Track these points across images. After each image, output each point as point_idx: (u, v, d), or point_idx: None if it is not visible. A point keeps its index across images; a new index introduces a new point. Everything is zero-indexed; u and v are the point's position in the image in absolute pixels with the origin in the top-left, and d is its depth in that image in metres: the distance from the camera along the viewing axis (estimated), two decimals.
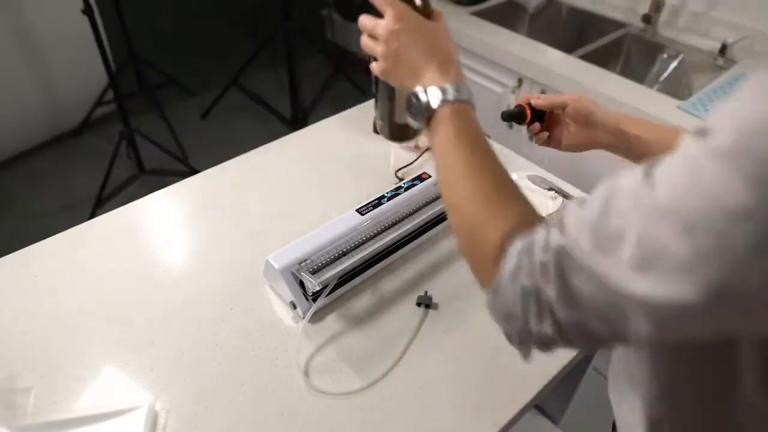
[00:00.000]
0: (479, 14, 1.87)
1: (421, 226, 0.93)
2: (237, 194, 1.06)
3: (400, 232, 0.87)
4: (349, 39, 3.28)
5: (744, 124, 0.31)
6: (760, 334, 0.37)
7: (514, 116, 0.81)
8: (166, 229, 0.99)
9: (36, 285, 0.87)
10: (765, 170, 0.29)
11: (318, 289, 0.80)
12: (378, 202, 0.91)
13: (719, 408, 0.45)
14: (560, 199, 1.03)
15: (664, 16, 1.74)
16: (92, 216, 2.15)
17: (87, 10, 1.90)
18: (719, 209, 0.30)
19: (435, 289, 0.87)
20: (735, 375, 0.42)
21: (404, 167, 1.12)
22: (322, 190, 1.07)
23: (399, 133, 0.74)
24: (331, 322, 0.83)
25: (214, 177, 1.10)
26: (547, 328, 0.40)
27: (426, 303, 0.85)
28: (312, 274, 0.80)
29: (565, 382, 1.00)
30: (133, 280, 0.88)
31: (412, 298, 0.86)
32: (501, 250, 0.45)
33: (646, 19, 1.72)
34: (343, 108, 1.30)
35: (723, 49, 1.57)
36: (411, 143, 1.17)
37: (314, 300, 0.82)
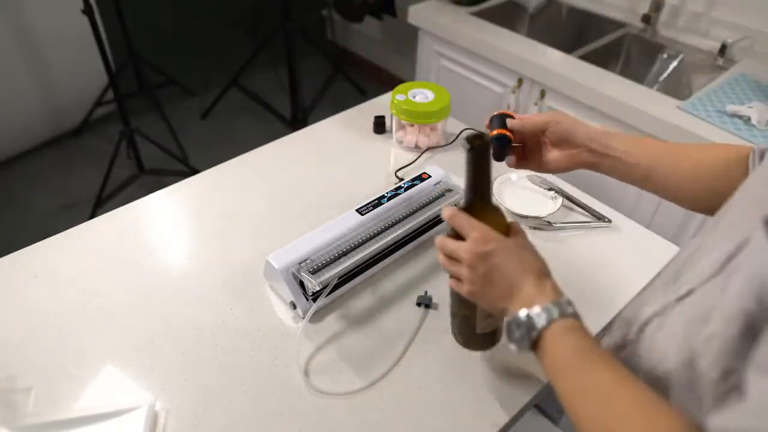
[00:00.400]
0: (479, 14, 1.87)
1: (421, 226, 0.93)
2: (237, 194, 1.06)
3: (400, 232, 0.87)
4: (349, 39, 3.29)
5: None
6: None
7: (501, 145, 0.75)
8: (166, 229, 0.99)
9: (36, 285, 0.87)
10: None
11: (318, 289, 0.80)
12: (378, 202, 0.91)
13: None
14: (560, 199, 1.03)
15: (664, 16, 1.74)
16: (92, 216, 2.15)
17: (87, 10, 1.90)
18: None
19: (435, 289, 0.87)
20: None
21: (404, 167, 1.13)
22: (322, 190, 1.07)
23: (482, 343, 0.74)
24: (331, 322, 0.83)
25: (214, 177, 1.11)
26: None
27: (426, 303, 0.85)
28: (312, 274, 0.80)
29: None
30: (133, 280, 0.88)
31: (412, 298, 0.86)
32: None
33: (646, 19, 1.72)
34: (343, 108, 1.30)
35: (723, 49, 1.57)
36: (414, 151, 1.17)
37: (314, 300, 0.82)
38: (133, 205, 1.03)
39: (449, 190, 0.96)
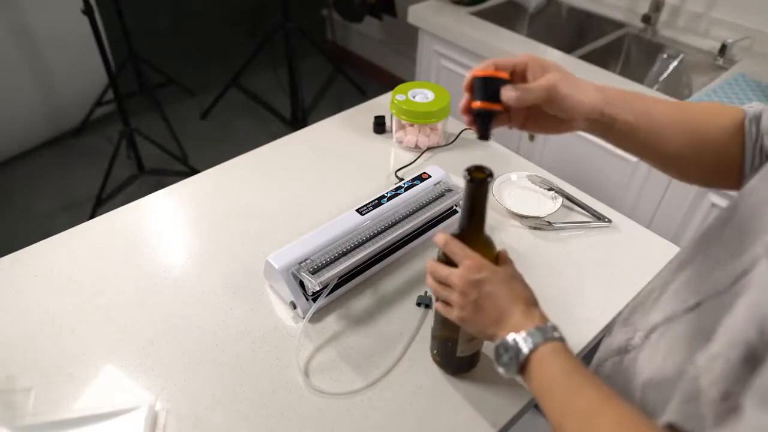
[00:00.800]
0: (479, 14, 1.87)
1: (421, 226, 0.93)
2: (237, 194, 1.06)
3: (400, 232, 0.87)
4: (349, 39, 3.29)
5: None
6: None
7: (485, 122, 0.61)
8: (166, 229, 0.99)
9: (36, 285, 0.87)
10: None
11: (318, 289, 0.80)
12: (378, 202, 0.91)
13: None
14: (560, 199, 1.03)
15: (664, 16, 1.74)
16: (92, 216, 2.15)
17: (87, 10, 1.90)
18: None
19: None
20: None
21: (404, 167, 1.13)
22: (322, 190, 1.07)
23: (461, 365, 0.75)
24: (331, 322, 0.83)
25: (214, 177, 1.11)
26: None
27: (426, 303, 0.85)
28: (312, 274, 0.80)
29: None
30: (133, 280, 0.88)
31: (412, 298, 0.86)
32: None
33: (646, 19, 1.72)
34: (343, 108, 1.30)
35: (723, 49, 1.57)
36: (414, 151, 1.17)
37: (314, 300, 0.82)
38: (133, 205, 1.03)
39: (449, 190, 0.96)
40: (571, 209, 1.04)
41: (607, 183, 1.54)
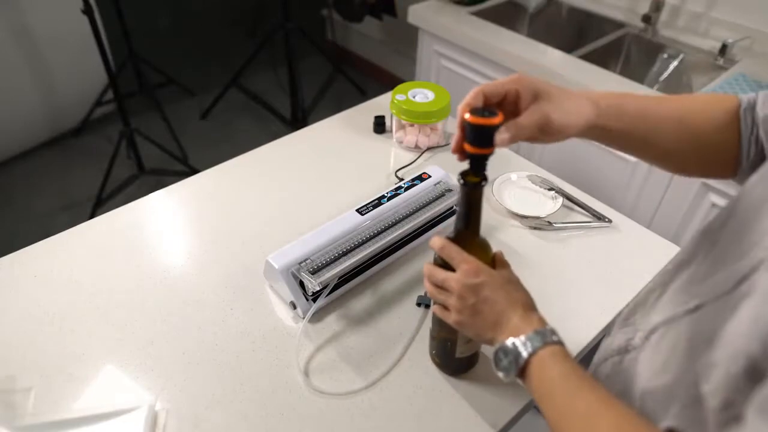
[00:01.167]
0: (479, 14, 1.87)
1: (422, 226, 0.93)
2: (237, 194, 1.06)
3: (400, 232, 0.87)
4: (349, 39, 3.29)
5: None
6: None
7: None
8: (166, 229, 0.99)
9: (36, 285, 0.87)
10: None
11: (318, 289, 0.80)
12: (378, 202, 0.91)
13: None
14: (560, 199, 1.03)
15: (664, 16, 1.74)
16: (92, 216, 2.15)
17: (87, 10, 1.90)
18: None
19: None
20: None
21: (404, 167, 1.12)
22: (322, 190, 1.07)
23: (459, 366, 0.75)
24: (331, 322, 0.83)
25: (214, 177, 1.11)
26: None
27: (426, 303, 0.85)
28: (312, 274, 0.80)
29: None
30: (132, 280, 0.88)
31: (412, 298, 0.86)
32: None
33: (646, 19, 1.72)
34: (343, 108, 1.30)
35: (723, 49, 1.57)
36: (414, 151, 1.17)
37: (314, 300, 0.82)
38: (133, 205, 1.03)
39: (449, 190, 0.96)
40: (571, 209, 1.04)
41: (607, 183, 1.54)
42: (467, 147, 0.55)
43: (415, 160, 1.14)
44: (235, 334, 0.81)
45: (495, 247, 0.66)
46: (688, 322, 0.51)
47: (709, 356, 0.45)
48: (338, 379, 0.75)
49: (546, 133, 0.60)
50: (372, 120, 1.23)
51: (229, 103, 2.85)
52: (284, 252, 0.82)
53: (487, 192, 0.94)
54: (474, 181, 0.57)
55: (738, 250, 0.48)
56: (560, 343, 0.56)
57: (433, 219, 0.94)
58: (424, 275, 0.65)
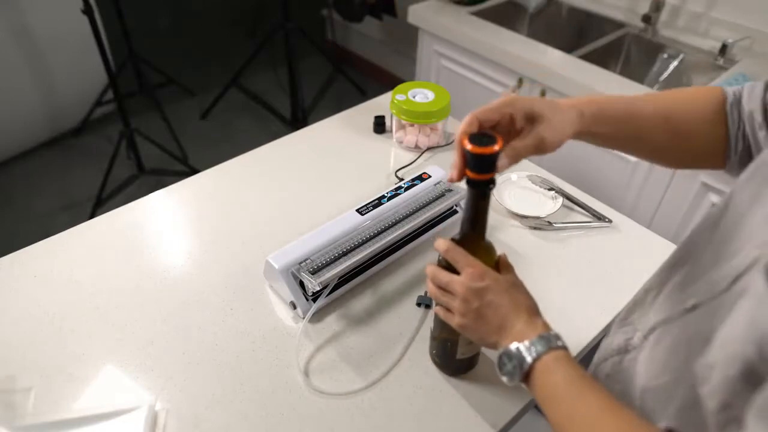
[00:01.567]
0: (479, 14, 1.87)
1: (422, 226, 0.93)
2: (237, 194, 1.06)
3: (400, 232, 0.87)
4: (349, 39, 3.29)
5: None
6: None
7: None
8: (166, 229, 0.99)
9: (36, 285, 0.87)
10: None
11: (318, 289, 0.80)
12: (378, 202, 0.91)
13: None
14: (560, 199, 1.03)
15: (664, 16, 1.74)
16: (92, 216, 2.15)
17: (87, 10, 1.90)
18: None
19: None
20: None
21: (404, 167, 1.12)
22: (322, 190, 1.07)
23: (459, 367, 0.75)
24: (331, 322, 0.83)
25: (214, 177, 1.11)
26: None
27: (426, 303, 0.85)
28: (312, 274, 0.80)
29: None
30: (132, 280, 0.88)
31: (412, 298, 0.86)
32: None
33: (646, 19, 1.72)
34: (343, 108, 1.30)
35: (723, 49, 1.57)
36: (414, 151, 1.17)
37: (314, 300, 0.82)
38: (132, 205, 1.03)
39: (449, 190, 0.96)
40: (571, 209, 1.04)
41: (607, 183, 1.54)
42: (469, 173, 0.55)
43: (415, 160, 1.14)
44: (235, 334, 0.81)
45: (495, 248, 0.66)
46: (685, 322, 0.51)
47: (706, 357, 0.45)
48: (338, 379, 0.75)
49: (540, 150, 0.62)
50: (372, 120, 1.23)
51: (229, 103, 2.85)
52: (284, 252, 0.82)
53: None
54: (482, 183, 0.56)
55: (731, 249, 0.48)
56: (564, 348, 0.56)
57: (433, 219, 0.94)
58: (428, 276, 0.65)
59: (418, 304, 0.85)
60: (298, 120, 2.73)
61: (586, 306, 0.86)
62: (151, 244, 0.96)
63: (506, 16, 1.94)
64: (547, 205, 1.04)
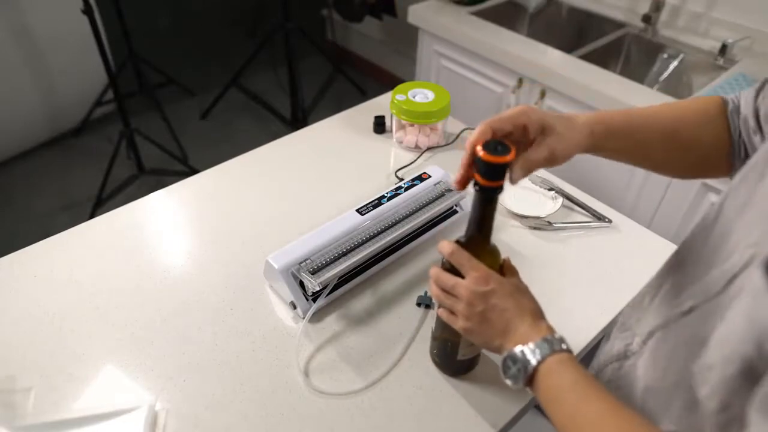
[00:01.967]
0: (479, 14, 1.87)
1: (422, 226, 0.93)
2: (237, 194, 1.06)
3: (400, 232, 0.87)
4: (349, 39, 3.29)
5: None
6: None
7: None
8: (166, 229, 0.99)
9: (36, 285, 0.87)
10: None
11: (318, 289, 0.80)
12: (378, 202, 0.91)
13: None
14: (560, 199, 1.03)
15: (664, 16, 1.74)
16: (92, 216, 2.15)
17: (87, 10, 1.90)
18: None
19: None
20: None
21: (404, 167, 1.12)
22: (322, 190, 1.07)
23: (460, 368, 0.75)
24: (331, 322, 0.83)
25: (214, 177, 1.11)
26: None
27: (426, 303, 0.85)
28: (312, 274, 0.80)
29: None
30: (132, 280, 0.88)
31: (412, 298, 0.86)
32: None
33: (646, 19, 1.72)
34: (343, 108, 1.30)
35: (723, 49, 1.57)
36: (414, 151, 1.17)
37: (314, 300, 0.82)
38: (132, 205, 1.03)
39: (449, 190, 0.96)
40: (571, 209, 1.04)
41: (607, 183, 1.54)
42: (479, 179, 0.55)
43: (415, 160, 1.14)
44: (235, 334, 0.81)
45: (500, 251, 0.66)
46: (682, 325, 0.51)
47: (704, 359, 0.45)
48: (338, 379, 0.75)
49: (551, 162, 0.64)
50: (372, 120, 1.23)
51: (229, 103, 2.85)
52: (284, 252, 0.82)
53: None
54: (491, 190, 0.56)
55: (725, 250, 0.48)
56: (568, 351, 0.56)
57: (433, 219, 0.94)
58: (431, 279, 0.65)
59: (418, 304, 0.85)
60: (298, 120, 2.73)
61: (586, 306, 0.86)
62: (151, 244, 0.96)
63: (506, 16, 1.94)
64: (547, 205, 1.04)
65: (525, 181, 1.08)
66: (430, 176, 0.97)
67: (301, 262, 0.81)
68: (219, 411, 0.71)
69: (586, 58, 1.61)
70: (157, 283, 0.88)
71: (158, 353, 0.78)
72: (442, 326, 0.70)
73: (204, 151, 2.58)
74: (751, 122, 0.62)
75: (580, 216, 1.03)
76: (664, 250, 0.96)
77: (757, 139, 0.62)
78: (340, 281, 0.84)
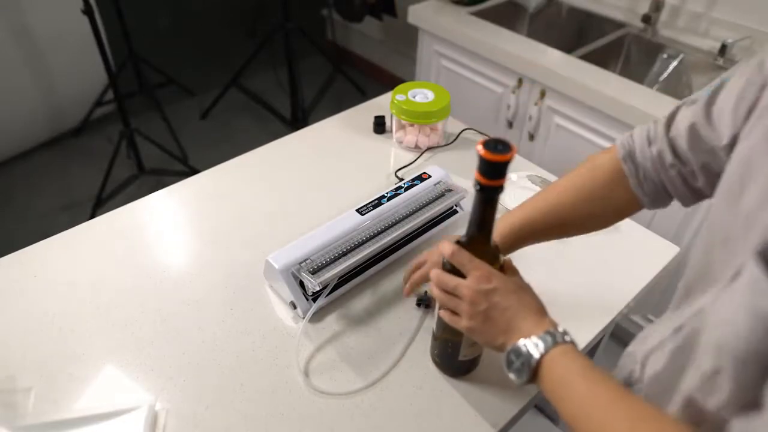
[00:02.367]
0: (479, 14, 1.87)
1: (421, 226, 0.93)
2: (237, 194, 1.06)
3: (400, 232, 0.87)
4: (349, 39, 3.29)
5: None
6: None
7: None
8: (166, 229, 0.99)
9: (36, 285, 0.87)
10: None
11: (318, 289, 0.80)
12: (378, 202, 0.91)
13: None
14: None
15: (664, 16, 1.74)
16: (92, 216, 2.15)
17: (87, 10, 1.90)
18: None
19: None
20: None
21: (404, 167, 1.13)
22: (322, 190, 1.07)
23: (460, 368, 0.75)
24: (331, 322, 0.83)
25: (214, 177, 1.11)
26: None
27: (426, 303, 0.85)
28: (312, 274, 0.80)
29: None
30: (132, 280, 0.88)
31: (412, 298, 0.86)
32: None
33: (646, 19, 1.72)
34: (343, 108, 1.30)
35: (723, 49, 1.57)
36: (414, 151, 1.17)
37: (314, 300, 0.82)
38: (133, 205, 1.03)
39: (449, 190, 0.96)
40: None
41: None
42: (480, 178, 0.55)
43: (415, 160, 1.14)
44: (235, 334, 0.81)
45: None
46: (673, 342, 0.52)
47: (703, 365, 0.45)
48: (338, 379, 0.75)
49: None
50: (372, 120, 1.23)
51: (229, 103, 2.85)
52: (284, 252, 0.82)
53: None
54: (492, 189, 0.56)
55: (720, 267, 0.49)
56: (572, 342, 0.56)
57: (433, 219, 0.94)
58: (432, 281, 0.64)
59: (418, 304, 0.85)
60: (298, 120, 2.73)
61: (586, 306, 0.86)
62: (151, 244, 0.96)
63: (506, 16, 1.94)
64: None
65: (525, 181, 1.08)
66: (430, 176, 0.97)
67: (301, 262, 0.81)
68: (219, 411, 0.71)
69: (586, 58, 1.61)
70: (157, 283, 0.88)
71: (158, 353, 0.78)
72: (442, 327, 0.70)
73: (204, 151, 2.58)
74: (668, 157, 0.63)
75: None
76: (664, 250, 0.97)
77: (673, 173, 0.63)
78: (340, 281, 0.84)
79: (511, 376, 0.57)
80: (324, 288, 0.81)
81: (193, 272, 0.90)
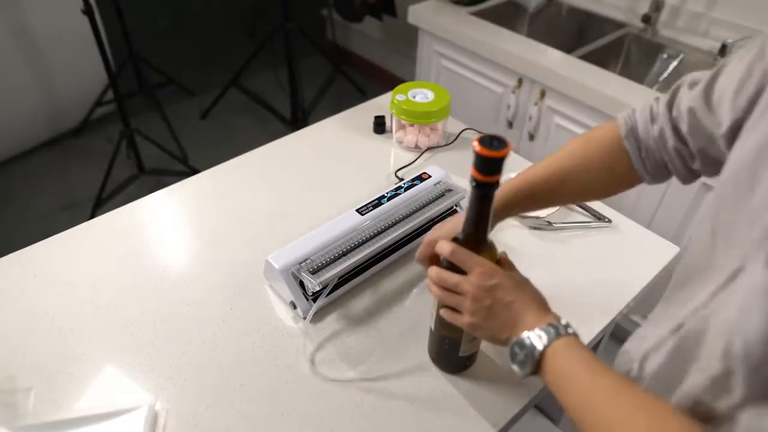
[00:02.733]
0: (479, 14, 1.87)
1: (422, 226, 0.93)
2: (237, 194, 1.06)
3: (400, 232, 0.87)
4: (349, 39, 3.29)
5: None
6: None
7: None
8: (166, 229, 0.99)
9: (36, 285, 0.87)
10: None
11: (318, 289, 0.80)
12: (378, 202, 0.91)
13: None
14: None
15: (664, 16, 1.74)
16: (92, 216, 2.15)
17: (87, 10, 1.90)
18: None
19: None
20: None
21: (404, 167, 1.12)
22: (322, 190, 1.07)
23: (458, 364, 0.75)
24: (332, 322, 0.83)
25: (214, 177, 1.11)
26: None
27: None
28: (312, 274, 0.80)
29: None
30: (132, 280, 0.88)
31: (412, 298, 0.86)
32: None
33: (646, 19, 1.72)
34: (343, 108, 1.30)
35: (723, 49, 1.57)
36: (414, 151, 1.17)
37: (314, 300, 0.82)
38: (133, 205, 1.03)
39: (449, 190, 0.96)
40: (571, 209, 1.04)
41: None
42: (475, 174, 0.55)
43: (415, 160, 1.14)
44: (235, 334, 0.81)
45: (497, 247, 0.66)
46: (673, 341, 0.52)
47: (712, 368, 0.45)
48: (338, 379, 0.75)
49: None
50: (372, 120, 1.23)
51: (229, 103, 2.85)
52: (284, 252, 0.82)
53: None
54: (488, 185, 0.56)
55: (719, 266, 0.49)
56: (575, 334, 0.56)
57: (433, 219, 0.94)
58: (431, 279, 0.64)
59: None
60: (298, 120, 2.73)
61: (586, 306, 0.86)
62: (151, 244, 0.96)
63: (506, 16, 1.94)
64: None
65: None
66: (430, 176, 0.97)
67: (301, 262, 0.81)
68: (219, 411, 0.71)
69: (586, 58, 1.61)
70: (157, 283, 0.88)
71: (158, 353, 0.78)
72: (441, 324, 0.70)
73: (204, 151, 2.58)
74: (670, 137, 0.63)
75: (580, 216, 1.03)
76: (664, 250, 0.97)
77: (674, 152, 0.64)
78: (340, 281, 0.84)
79: (515, 368, 0.58)
80: (324, 288, 0.81)
81: (193, 272, 0.90)
